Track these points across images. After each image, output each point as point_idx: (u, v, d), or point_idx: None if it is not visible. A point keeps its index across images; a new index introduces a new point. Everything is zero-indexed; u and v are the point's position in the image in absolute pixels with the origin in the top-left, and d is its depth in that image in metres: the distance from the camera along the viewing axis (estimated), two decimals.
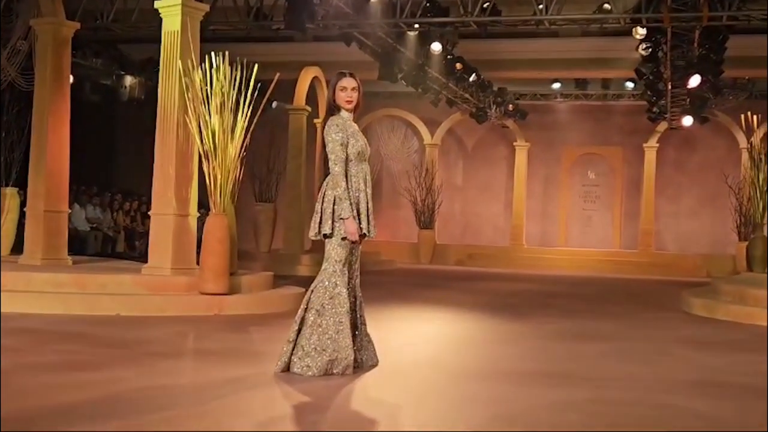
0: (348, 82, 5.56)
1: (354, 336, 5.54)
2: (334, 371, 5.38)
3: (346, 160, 5.46)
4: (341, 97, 5.55)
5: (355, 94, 5.56)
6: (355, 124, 5.64)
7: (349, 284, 5.52)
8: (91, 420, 4.19)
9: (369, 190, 5.55)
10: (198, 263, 9.55)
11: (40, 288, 9.04)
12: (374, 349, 5.78)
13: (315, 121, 17.14)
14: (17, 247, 11.62)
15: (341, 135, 5.47)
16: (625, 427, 4.51)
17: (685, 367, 6.70)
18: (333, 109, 5.60)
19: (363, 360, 5.65)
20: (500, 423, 4.46)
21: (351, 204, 5.41)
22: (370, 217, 5.54)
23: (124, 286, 9.22)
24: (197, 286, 9.26)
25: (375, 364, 5.71)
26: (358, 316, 5.65)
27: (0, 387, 4.70)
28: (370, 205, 5.55)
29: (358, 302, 5.65)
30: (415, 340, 7.76)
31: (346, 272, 5.50)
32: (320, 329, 5.39)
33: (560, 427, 4.44)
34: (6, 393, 4.63)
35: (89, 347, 6.58)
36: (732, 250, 21.16)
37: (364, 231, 5.49)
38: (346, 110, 5.57)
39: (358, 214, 5.46)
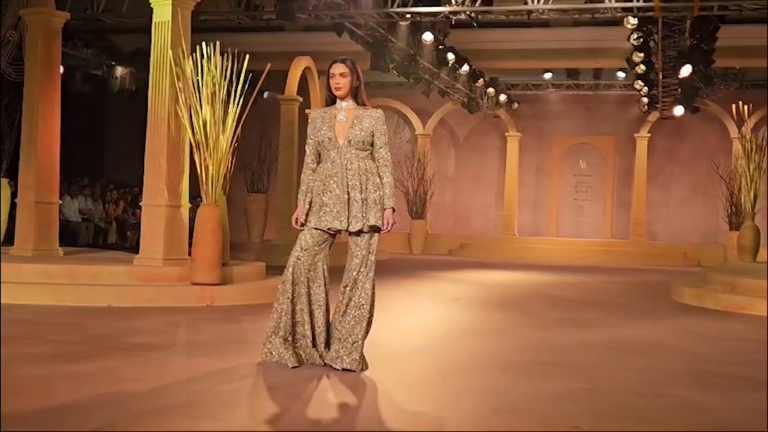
0: (335, 68, 5.38)
1: None
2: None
3: (316, 152, 5.40)
4: (331, 85, 5.42)
5: (343, 80, 5.35)
6: (344, 111, 5.38)
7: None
8: (82, 411, 4.19)
9: (334, 180, 5.37)
10: (190, 254, 9.54)
11: (31, 279, 9.01)
12: None
13: (307, 111, 17.09)
14: (8, 239, 11.60)
15: (308, 129, 5.45)
16: (619, 416, 4.52)
17: (677, 357, 6.73)
18: (329, 98, 5.46)
19: None
20: (496, 414, 4.47)
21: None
22: None
23: (116, 277, 9.19)
24: (189, 277, 9.25)
25: None
26: None
27: (0, 386, 4.67)
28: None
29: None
30: (408, 330, 7.77)
31: None
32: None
33: (556, 417, 4.45)
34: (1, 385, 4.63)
35: (81, 338, 6.57)
36: (723, 240, 21.23)
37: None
38: (338, 97, 5.41)
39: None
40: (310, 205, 5.36)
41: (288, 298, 5.30)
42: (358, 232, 5.31)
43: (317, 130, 5.40)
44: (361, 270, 5.31)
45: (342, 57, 5.49)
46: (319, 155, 5.45)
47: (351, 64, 5.42)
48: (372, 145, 5.40)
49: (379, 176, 5.40)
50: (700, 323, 8.93)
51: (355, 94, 5.42)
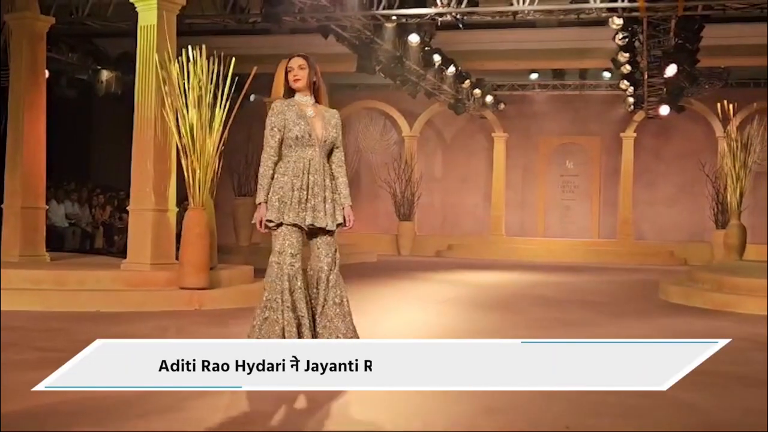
0: (294, 62, 5.40)
1: None
2: None
3: (280, 145, 5.27)
4: (289, 78, 5.39)
5: (302, 72, 5.34)
6: (310, 107, 5.35)
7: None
8: (66, 417, 4.16)
9: (313, 178, 5.24)
10: (177, 258, 9.51)
11: (19, 285, 8.97)
12: None
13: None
14: None
15: (273, 119, 5.29)
16: (611, 416, 4.53)
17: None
18: (288, 93, 5.41)
19: None
20: (487, 414, 4.47)
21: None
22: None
23: (104, 282, 9.16)
24: (177, 281, 9.22)
25: None
26: None
27: (0, 386, 4.64)
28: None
29: None
30: (396, 330, 7.76)
31: None
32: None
33: (548, 417, 4.45)
34: None
35: (68, 345, 6.52)
36: (709, 238, 21.31)
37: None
38: (297, 90, 5.38)
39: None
40: (279, 202, 5.22)
41: (288, 307, 5.10)
42: (327, 232, 5.28)
43: (294, 124, 5.27)
44: (333, 269, 5.28)
45: (300, 53, 5.50)
46: (280, 148, 5.32)
47: (310, 59, 5.43)
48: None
49: (335, 176, 5.36)
50: (688, 322, 8.95)
51: (313, 90, 5.40)
